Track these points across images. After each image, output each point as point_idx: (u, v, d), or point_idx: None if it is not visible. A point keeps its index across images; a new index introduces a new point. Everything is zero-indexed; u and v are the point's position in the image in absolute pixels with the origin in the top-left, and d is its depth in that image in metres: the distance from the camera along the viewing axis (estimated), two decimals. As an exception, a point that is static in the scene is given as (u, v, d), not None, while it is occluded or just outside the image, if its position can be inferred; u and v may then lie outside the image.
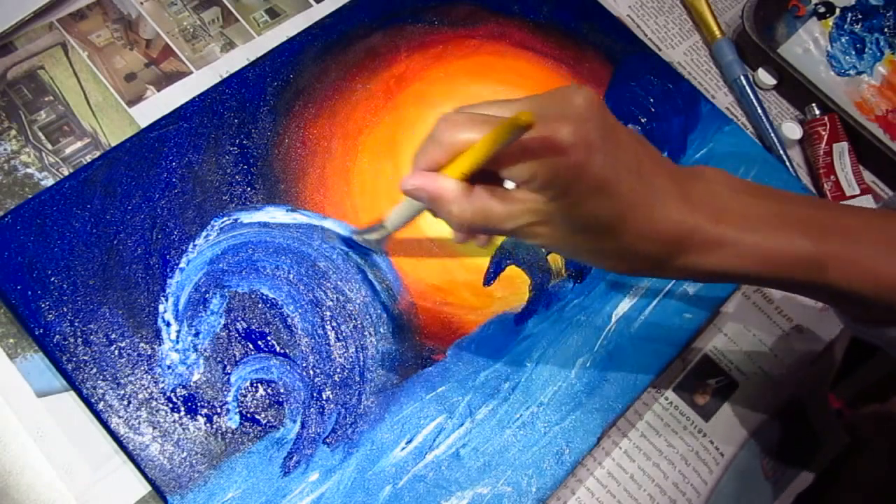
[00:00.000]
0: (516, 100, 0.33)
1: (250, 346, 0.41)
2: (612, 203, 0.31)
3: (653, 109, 0.53)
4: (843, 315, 0.39)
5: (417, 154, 0.33)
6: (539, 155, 0.29)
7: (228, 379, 0.40)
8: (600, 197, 0.30)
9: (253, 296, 0.42)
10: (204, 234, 0.43)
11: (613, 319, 0.46)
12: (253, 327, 0.41)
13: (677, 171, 0.34)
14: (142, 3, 0.50)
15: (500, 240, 0.47)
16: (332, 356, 0.42)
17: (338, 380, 0.41)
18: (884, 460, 0.48)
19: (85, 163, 0.44)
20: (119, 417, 0.38)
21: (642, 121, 0.53)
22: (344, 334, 0.42)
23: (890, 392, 0.53)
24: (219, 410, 0.39)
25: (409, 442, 0.41)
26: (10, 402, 0.39)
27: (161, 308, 0.41)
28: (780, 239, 0.33)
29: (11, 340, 0.40)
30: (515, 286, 0.46)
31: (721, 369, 0.49)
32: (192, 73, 0.49)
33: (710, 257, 0.33)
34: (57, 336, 0.39)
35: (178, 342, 0.40)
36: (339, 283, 0.43)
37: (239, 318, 0.41)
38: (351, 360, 0.42)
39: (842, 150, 0.56)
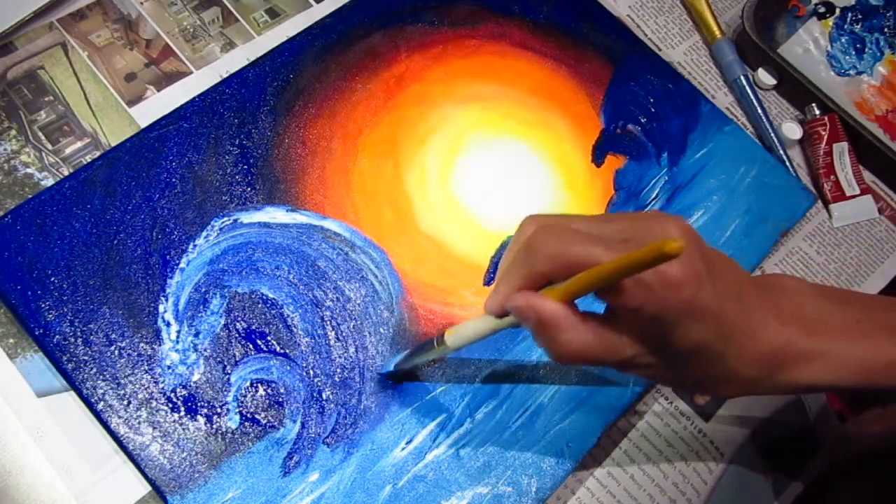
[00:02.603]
0: (602, 217, 0.31)
1: (250, 346, 0.41)
2: (718, 331, 0.30)
3: (653, 109, 0.53)
4: None
5: (509, 263, 0.31)
6: (649, 286, 0.28)
7: (228, 379, 0.40)
8: (707, 327, 0.30)
9: (253, 296, 0.42)
10: (204, 234, 0.43)
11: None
12: (253, 327, 0.41)
13: (763, 286, 0.34)
14: (142, 3, 0.50)
15: (499, 239, 0.47)
16: (332, 356, 0.42)
17: (338, 380, 0.41)
18: (884, 463, 0.48)
19: (85, 163, 0.44)
20: (119, 417, 0.38)
21: (642, 121, 0.53)
22: (344, 334, 0.42)
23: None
24: (219, 410, 0.39)
25: (409, 442, 0.41)
26: (10, 402, 0.39)
27: (161, 308, 0.41)
28: (871, 346, 0.34)
29: (11, 340, 0.40)
30: (515, 286, 0.46)
31: (721, 369, 0.49)
32: (192, 73, 0.49)
33: (807, 371, 0.33)
34: (57, 336, 0.39)
35: (178, 342, 0.40)
36: (339, 283, 0.43)
37: (239, 319, 0.41)
38: (351, 360, 0.42)
39: (842, 150, 0.56)
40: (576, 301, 0.31)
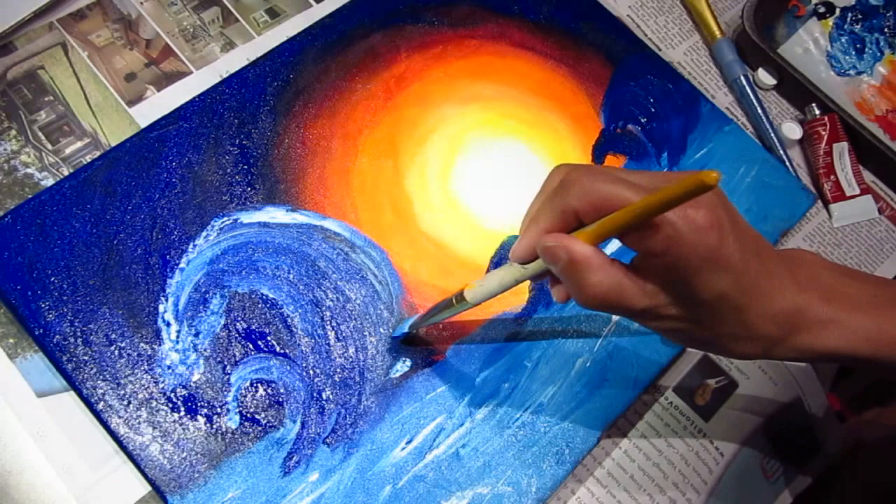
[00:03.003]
0: (632, 170, 0.32)
1: (250, 346, 0.41)
2: (740, 283, 0.31)
3: (653, 109, 0.53)
4: None
5: (539, 206, 0.32)
6: (676, 228, 0.28)
7: (228, 379, 0.40)
8: (729, 278, 0.30)
9: (253, 296, 0.42)
10: (204, 234, 0.43)
11: (613, 319, 0.46)
12: (253, 327, 0.41)
13: (780, 253, 0.34)
14: (142, 3, 0.50)
15: (500, 239, 0.47)
16: (332, 356, 0.42)
17: (338, 380, 0.41)
18: (884, 462, 0.48)
19: (85, 163, 0.44)
20: (119, 417, 0.38)
21: (642, 121, 0.53)
22: (344, 334, 0.42)
23: (890, 394, 0.53)
24: (219, 410, 0.39)
25: (409, 442, 0.41)
26: (10, 402, 0.39)
27: (161, 308, 0.41)
28: (887, 319, 0.34)
29: (11, 340, 0.40)
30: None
31: (721, 369, 0.49)
32: (192, 73, 0.49)
33: (822, 337, 0.34)
34: (57, 336, 0.39)
35: (178, 342, 0.40)
36: (339, 283, 0.43)
37: (239, 319, 0.41)
38: (351, 360, 0.42)
39: (842, 150, 0.56)
40: None
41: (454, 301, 0.36)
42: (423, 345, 0.43)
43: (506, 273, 0.34)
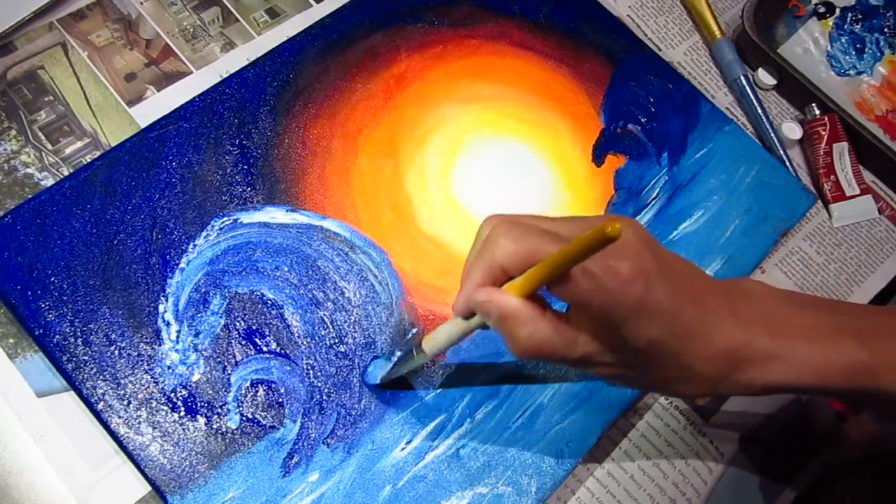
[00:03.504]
0: (560, 217, 0.32)
1: (250, 346, 0.41)
2: (672, 329, 0.31)
3: (653, 109, 0.53)
4: (876, 414, 0.39)
5: (472, 262, 0.32)
6: (599, 280, 0.29)
7: (228, 379, 0.40)
8: (660, 324, 0.30)
9: (253, 296, 0.42)
10: (204, 234, 0.43)
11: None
12: (253, 327, 0.41)
13: (722, 288, 0.34)
14: (142, 3, 0.50)
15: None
16: (332, 357, 0.42)
17: (338, 380, 0.41)
18: (884, 463, 0.48)
19: (85, 163, 0.44)
20: (119, 417, 0.38)
21: (642, 120, 0.53)
22: (344, 335, 0.42)
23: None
24: (219, 410, 0.39)
25: (409, 442, 0.41)
26: (10, 402, 0.39)
27: (161, 308, 0.41)
28: (833, 348, 0.34)
29: (11, 340, 0.40)
30: (515, 286, 0.46)
31: (721, 369, 0.49)
32: (192, 73, 0.49)
33: (767, 371, 0.33)
34: (57, 336, 0.39)
35: (178, 342, 0.40)
36: (339, 283, 0.43)
37: (239, 319, 0.41)
38: (351, 360, 0.42)
39: (842, 150, 0.56)
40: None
41: (415, 353, 0.37)
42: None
43: (452, 326, 0.34)
